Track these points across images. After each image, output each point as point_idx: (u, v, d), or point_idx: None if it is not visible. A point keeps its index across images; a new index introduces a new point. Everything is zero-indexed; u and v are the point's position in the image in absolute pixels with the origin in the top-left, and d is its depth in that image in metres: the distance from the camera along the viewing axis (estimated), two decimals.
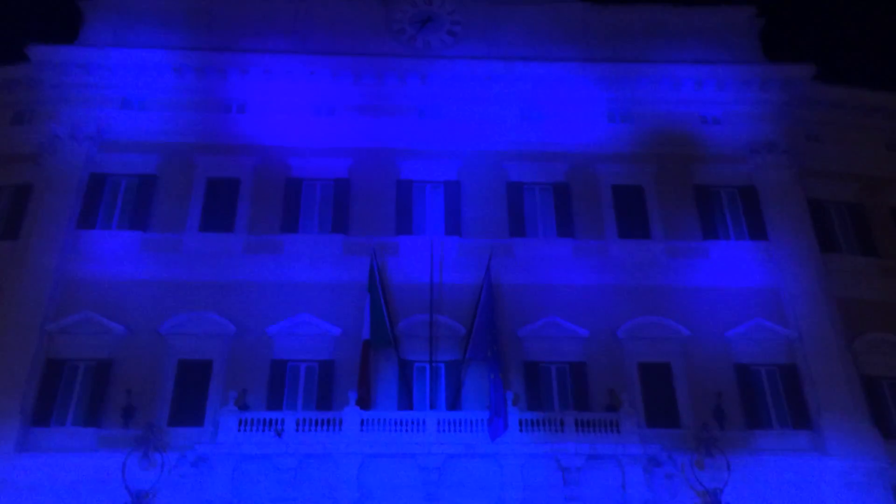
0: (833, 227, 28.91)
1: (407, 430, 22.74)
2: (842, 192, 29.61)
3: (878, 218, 29.34)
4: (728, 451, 23.13)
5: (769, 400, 25.32)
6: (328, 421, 22.79)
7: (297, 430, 22.49)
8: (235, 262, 26.43)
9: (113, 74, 28.91)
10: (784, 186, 28.78)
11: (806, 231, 27.97)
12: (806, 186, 29.16)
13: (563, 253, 27.36)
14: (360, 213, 27.69)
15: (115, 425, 23.41)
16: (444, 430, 22.77)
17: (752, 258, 27.62)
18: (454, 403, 24.50)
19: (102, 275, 25.87)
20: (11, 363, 23.90)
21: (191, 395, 24.23)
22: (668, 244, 27.72)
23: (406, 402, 24.48)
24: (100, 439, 23.23)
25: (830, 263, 27.66)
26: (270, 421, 22.63)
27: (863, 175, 30.07)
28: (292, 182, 28.19)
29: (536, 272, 26.86)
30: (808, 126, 30.68)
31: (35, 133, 28.38)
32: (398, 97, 29.75)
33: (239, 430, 22.45)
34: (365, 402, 23.67)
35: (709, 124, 30.20)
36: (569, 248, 27.45)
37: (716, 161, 29.41)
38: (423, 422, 22.91)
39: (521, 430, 22.83)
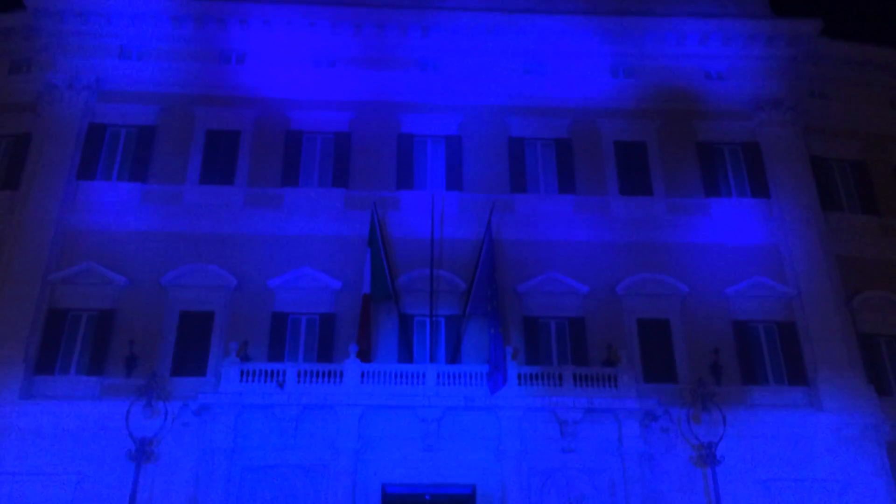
0: (835, 184, 28.85)
1: (407, 383, 22.97)
2: (845, 150, 29.48)
3: (881, 176, 29.25)
4: (724, 406, 23.45)
5: (766, 356, 25.57)
6: (329, 373, 23.02)
7: (298, 382, 22.73)
8: (236, 215, 26.42)
9: (110, 23, 28.54)
10: (787, 143, 28.65)
11: (808, 189, 27.94)
12: (809, 144, 29.06)
13: (564, 209, 27.34)
14: (361, 167, 27.58)
15: (119, 374, 23.71)
16: (443, 383, 23.02)
17: (753, 216, 27.62)
18: (454, 357, 24.73)
19: (103, 226, 25.91)
20: (14, 312, 24.08)
21: (193, 345, 24.45)
22: (670, 201, 27.69)
23: (406, 355, 24.71)
24: (103, 388, 23.53)
25: (831, 221, 27.70)
26: (272, 372, 22.86)
27: (866, 133, 29.91)
28: (292, 135, 28.02)
29: (537, 228, 26.88)
30: (813, 82, 30.43)
31: (33, 82, 28.17)
32: (399, 50, 29.39)
33: (241, 381, 22.70)
34: (365, 355, 23.90)
35: (713, 80, 29.90)
36: (570, 204, 27.42)
37: (719, 117, 29.22)
38: (423, 375, 23.14)
39: (519, 384, 23.07)
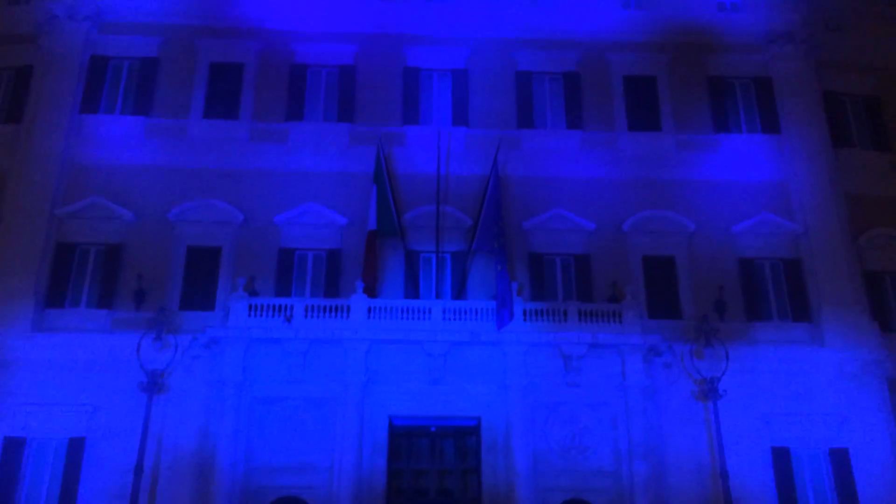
0: (847, 120, 28.40)
1: (413, 318, 23.17)
2: (859, 85, 28.90)
3: (895, 112, 28.75)
4: (727, 341, 23.64)
5: (771, 293, 25.66)
6: (336, 308, 23.22)
7: (305, 317, 22.95)
8: (241, 149, 26.26)
9: None
10: (800, 78, 28.14)
11: (819, 124, 27.54)
12: (822, 78, 28.51)
13: (572, 145, 27.07)
14: (366, 101, 27.23)
15: (128, 308, 23.97)
16: (449, 319, 23.22)
17: (763, 152, 27.33)
18: (459, 293, 24.88)
19: (108, 160, 25.81)
20: (22, 246, 24.21)
21: (200, 280, 24.63)
22: (679, 137, 27.38)
23: (412, 291, 24.87)
24: (114, 321, 23.84)
25: (842, 158, 27.37)
26: (280, 307, 23.07)
27: (882, 67, 29.24)
28: (297, 68, 27.60)
29: (544, 164, 26.67)
30: (828, 15, 29.57)
31: (34, 12, 27.55)
32: None
33: (249, 316, 22.93)
34: (371, 291, 24.06)
35: (726, 11, 29.22)
36: (577, 140, 27.13)
37: (731, 51, 28.64)
38: (429, 310, 23.34)
39: (525, 320, 23.26)
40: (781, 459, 23.19)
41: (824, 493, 23.04)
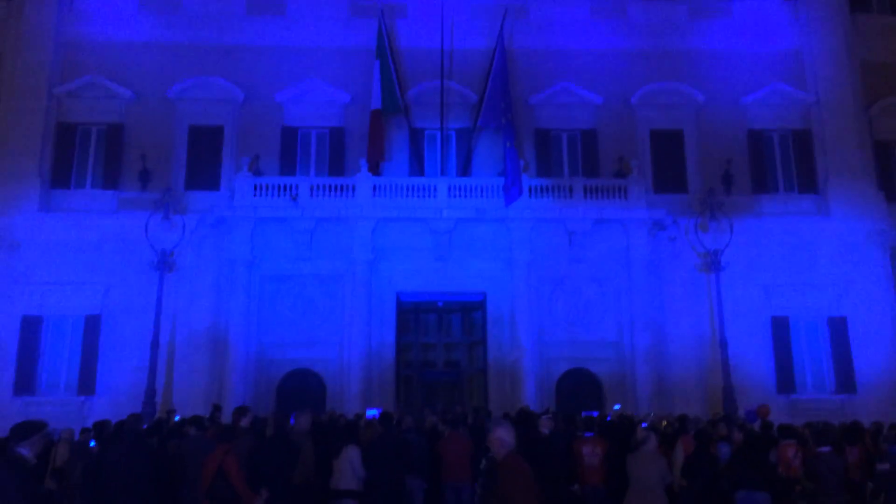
0: None
1: (419, 196, 23.16)
2: None
3: None
4: (733, 214, 23.63)
5: (778, 165, 25.43)
6: (341, 186, 23.20)
7: (311, 196, 22.97)
8: (238, 23, 25.43)
9: None
10: None
11: None
12: None
13: (580, 14, 26.13)
14: None
15: (134, 188, 24.00)
16: (454, 196, 23.20)
17: (777, 18, 26.34)
18: (464, 170, 24.72)
19: (102, 36, 25.11)
20: (24, 127, 23.98)
21: (204, 160, 24.49)
22: (691, 4, 26.34)
23: (417, 168, 24.72)
24: (120, 201, 23.92)
25: (859, 23, 26.36)
26: (285, 186, 23.06)
27: None
28: None
29: (551, 35, 25.84)
30: None
31: None
32: None
33: (254, 195, 22.96)
34: (375, 169, 23.93)
35: None
36: (586, 8, 26.17)
37: None
38: (435, 188, 23.29)
39: (530, 197, 23.21)
40: (780, 328, 23.71)
41: (820, 359, 23.67)
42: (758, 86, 25.50)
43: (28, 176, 23.59)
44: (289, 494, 10.09)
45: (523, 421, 13.80)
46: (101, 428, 12.98)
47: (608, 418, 16.71)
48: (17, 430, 7.20)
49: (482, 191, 23.31)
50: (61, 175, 24.17)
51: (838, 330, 23.63)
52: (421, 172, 24.57)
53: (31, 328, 22.70)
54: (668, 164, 25.16)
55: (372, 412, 17.50)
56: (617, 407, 20.26)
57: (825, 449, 10.88)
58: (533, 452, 12.31)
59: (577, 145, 25.34)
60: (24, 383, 22.29)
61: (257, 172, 23.88)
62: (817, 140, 25.33)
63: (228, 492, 9.41)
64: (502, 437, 6.54)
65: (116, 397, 21.61)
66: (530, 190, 23.28)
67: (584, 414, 16.96)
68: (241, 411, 12.52)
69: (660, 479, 10.37)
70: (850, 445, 12.19)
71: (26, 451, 7.11)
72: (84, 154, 24.41)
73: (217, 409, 16.77)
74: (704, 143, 25.26)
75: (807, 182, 25.22)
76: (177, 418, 16.62)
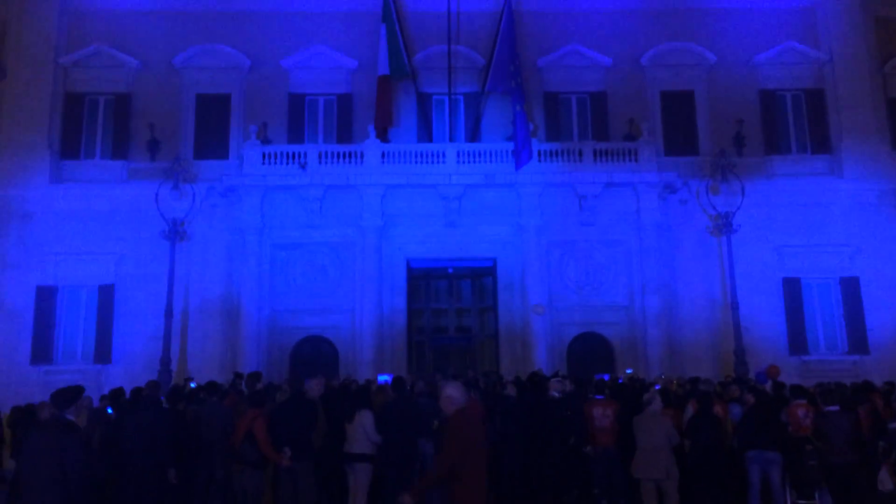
0: None
1: (427, 162, 23.07)
2: None
3: None
4: (744, 176, 23.42)
5: (791, 125, 25.13)
6: (350, 154, 23.12)
7: (319, 163, 22.92)
8: None
9: None
10: None
11: None
12: None
13: None
14: None
15: (143, 158, 24.03)
16: (463, 161, 23.09)
17: None
18: (473, 136, 24.55)
19: (106, 4, 24.93)
20: (31, 97, 23.98)
21: (212, 128, 24.46)
22: None
23: (425, 134, 24.58)
24: (130, 171, 23.99)
25: None
26: (294, 154, 23.00)
27: None
28: None
29: None
30: None
31: None
32: None
33: (263, 163, 22.93)
34: (384, 136, 23.82)
35: None
36: None
37: None
38: (443, 153, 23.18)
39: (539, 161, 23.06)
40: (792, 289, 23.64)
41: (832, 320, 23.62)
42: (770, 45, 25.09)
43: (38, 147, 23.65)
44: (310, 453, 10.34)
45: (535, 385, 13.89)
46: (117, 395, 13.16)
47: (620, 381, 16.77)
48: (60, 398, 7.23)
49: (491, 156, 23.18)
50: (71, 146, 24.22)
51: (850, 290, 23.53)
52: (429, 138, 24.44)
53: (46, 298, 22.94)
54: (679, 125, 24.91)
55: (384, 378, 17.63)
56: (629, 371, 20.33)
57: (833, 408, 10.93)
58: (543, 415, 12.45)
59: (586, 108, 25.10)
60: (41, 353, 22.59)
61: (265, 140, 23.83)
62: (830, 99, 24.98)
63: (256, 454, 10.12)
64: (452, 394, 6.83)
65: (132, 366, 21.87)
66: (539, 154, 23.12)
67: (596, 377, 17.04)
68: (254, 377, 12.67)
69: (666, 439, 10.45)
70: (858, 405, 12.20)
71: (72, 416, 7.22)
72: (92, 124, 24.42)
73: (238, 376, 16.95)
74: (716, 104, 24.96)
75: (820, 142, 24.92)
76: (192, 385, 16.81)
